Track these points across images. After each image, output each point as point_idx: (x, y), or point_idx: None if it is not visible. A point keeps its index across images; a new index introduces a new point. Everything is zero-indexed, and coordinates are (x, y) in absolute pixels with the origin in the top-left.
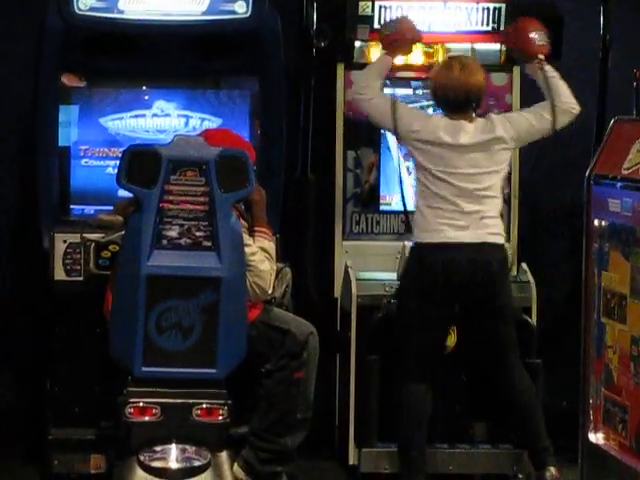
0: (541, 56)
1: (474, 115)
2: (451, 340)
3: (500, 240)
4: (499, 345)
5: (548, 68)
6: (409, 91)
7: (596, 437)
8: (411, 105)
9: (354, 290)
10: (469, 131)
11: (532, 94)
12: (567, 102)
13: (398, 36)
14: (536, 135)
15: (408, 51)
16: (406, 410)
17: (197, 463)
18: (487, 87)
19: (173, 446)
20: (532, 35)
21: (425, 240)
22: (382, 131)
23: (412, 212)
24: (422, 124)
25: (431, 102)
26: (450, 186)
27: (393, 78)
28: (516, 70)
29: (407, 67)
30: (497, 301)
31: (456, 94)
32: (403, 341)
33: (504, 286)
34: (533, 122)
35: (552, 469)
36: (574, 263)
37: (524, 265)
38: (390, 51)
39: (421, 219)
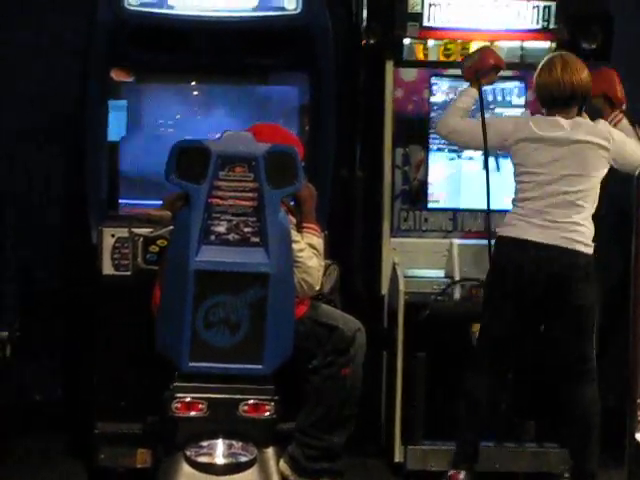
0: (623, 106)
1: (580, 113)
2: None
3: (586, 249)
4: (574, 353)
5: (625, 122)
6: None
7: None
8: None
9: (401, 287)
10: (564, 125)
11: None
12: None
13: (480, 65)
14: (626, 167)
15: (492, 79)
16: (468, 399)
17: (243, 459)
18: (591, 84)
19: (219, 441)
20: (617, 82)
21: (504, 234)
22: (433, 129)
23: (493, 211)
24: (515, 125)
25: None
26: (533, 187)
27: (443, 75)
28: None
29: (456, 64)
30: (569, 305)
31: (561, 92)
32: (481, 331)
33: (578, 294)
34: (634, 155)
35: None
36: (624, 261)
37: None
38: (473, 82)
39: (507, 216)
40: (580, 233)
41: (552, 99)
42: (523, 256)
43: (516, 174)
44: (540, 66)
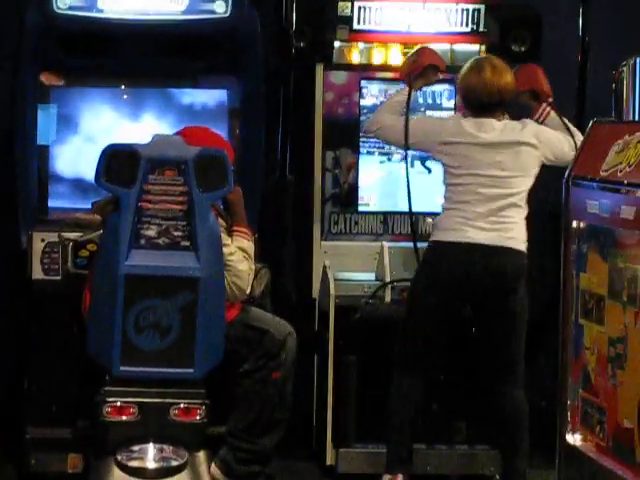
0: (550, 99)
1: (504, 115)
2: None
3: (519, 246)
4: (504, 359)
5: (553, 114)
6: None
7: (574, 438)
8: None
9: (332, 291)
10: (496, 128)
11: None
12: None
13: (413, 66)
14: (557, 162)
15: (429, 80)
16: (396, 402)
17: (174, 463)
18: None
19: (150, 445)
20: (543, 77)
21: (442, 238)
22: (361, 132)
23: (416, 213)
24: (442, 127)
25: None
26: (473, 190)
27: (373, 79)
28: None
29: (385, 67)
30: (508, 308)
31: (490, 96)
32: (404, 332)
33: (516, 294)
34: (564, 148)
35: None
36: (554, 265)
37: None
38: (407, 82)
39: (442, 219)
40: (523, 234)
41: (480, 103)
42: (470, 259)
43: (450, 176)
44: (467, 68)
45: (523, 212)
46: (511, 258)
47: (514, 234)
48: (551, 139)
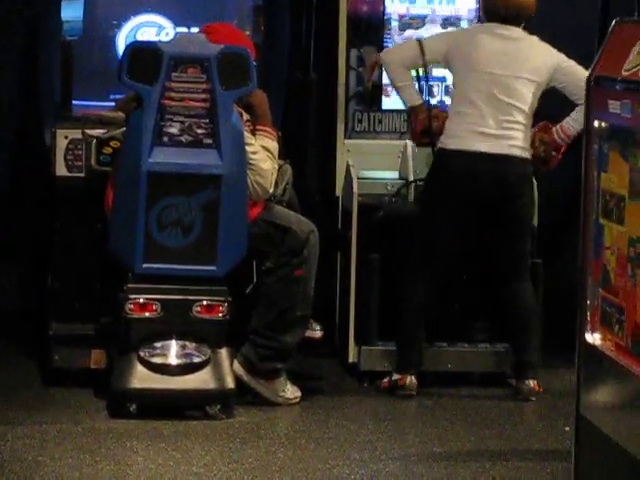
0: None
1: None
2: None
3: (522, 153)
4: (510, 257)
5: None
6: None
7: (593, 338)
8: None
9: (355, 189)
10: (512, 30)
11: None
12: None
13: (413, 135)
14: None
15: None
16: (408, 304)
17: (197, 359)
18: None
19: (173, 342)
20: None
21: (448, 146)
22: (388, 30)
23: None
24: (455, 36)
25: None
26: (479, 89)
27: None
28: None
29: None
30: (513, 214)
31: (507, 9)
32: (417, 237)
33: (522, 200)
34: (569, 86)
35: (531, 382)
36: (575, 164)
37: (528, 166)
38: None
39: (448, 124)
40: (527, 140)
41: (497, 16)
42: (474, 168)
43: (455, 75)
44: None
45: (528, 117)
46: (515, 166)
47: (518, 142)
48: (571, 67)
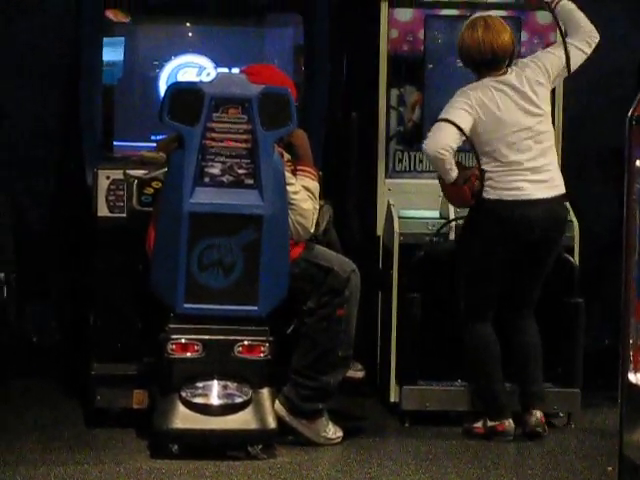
0: None
1: (508, 69)
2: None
3: (564, 192)
4: (527, 296)
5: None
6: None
7: (636, 377)
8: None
9: (396, 228)
10: (514, 77)
11: None
12: (588, 32)
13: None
14: (561, 72)
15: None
16: (476, 351)
17: (238, 400)
18: (514, 46)
19: (215, 382)
20: None
21: (497, 196)
22: (426, 69)
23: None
24: (471, 104)
25: None
26: (515, 147)
27: (438, 16)
28: None
29: (451, 4)
30: (550, 254)
31: (482, 54)
32: (472, 288)
33: (561, 239)
34: (557, 57)
35: (538, 413)
36: (617, 204)
37: (567, 205)
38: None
39: (492, 178)
40: (560, 177)
41: (473, 62)
42: (533, 214)
43: (482, 144)
44: (463, 27)
45: (555, 151)
46: (560, 207)
47: (559, 182)
48: (545, 58)
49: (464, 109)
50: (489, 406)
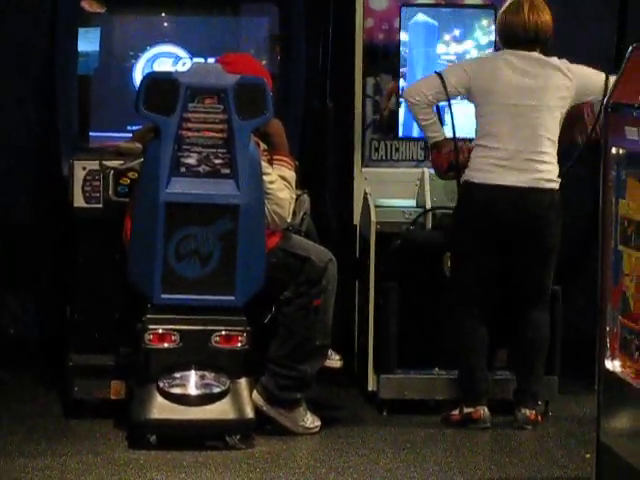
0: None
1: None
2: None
3: (549, 185)
4: (532, 286)
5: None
6: None
7: (613, 365)
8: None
9: (373, 217)
10: (530, 56)
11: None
12: None
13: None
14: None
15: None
16: (460, 337)
17: (216, 389)
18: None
19: (192, 372)
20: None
21: (472, 180)
22: (402, 58)
23: (458, 139)
24: (475, 67)
25: None
26: (503, 121)
27: (413, 5)
28: None
29: None
30: (540, 243)
31: (526, 32)
32: (456, 272)
33: (549, 230)
34: (597, 83)
35: (527, 411)
36: (592, 191)
37: (556, 195)
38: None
39: (473, 157)
40: (555, 170)
41: (516, 39)
42: (500, 203)
43: (479, 108)
44: (506, 5)
45: (555, 145)
46: (540, 197)
47: (544, 174)
48: (584, 71)
49: (462, 67)
50: (466, 392)
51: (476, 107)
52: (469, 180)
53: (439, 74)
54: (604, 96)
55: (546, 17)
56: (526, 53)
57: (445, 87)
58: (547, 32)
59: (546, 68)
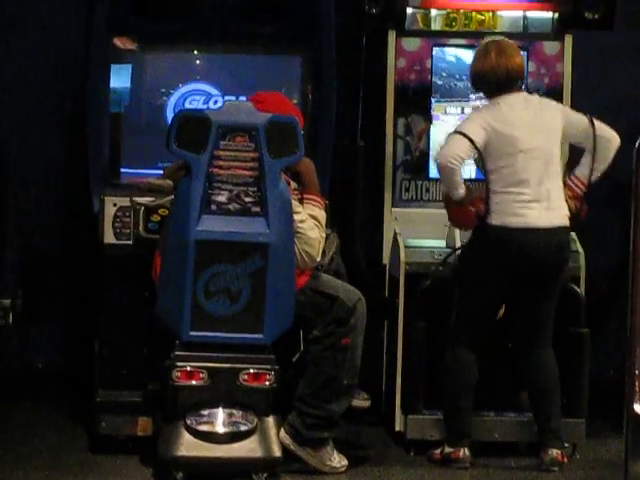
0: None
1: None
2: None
3: (567, 221)
4: (540, 321)
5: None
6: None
7: None
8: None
9: (402, 257)
10: (518, 96)
11: (583, 63)
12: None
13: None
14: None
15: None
16: (453, 376)
17: (244, 427)
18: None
19: (220, 410)
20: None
21: (500, 223)
22: (433, 99)
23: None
24: (487, 119)
25: None
26: (531, 168)
27: (445, 45)
28: (568, 38)
29: (458, 34)
30: (557, 281)
31: (497, 77)
32: (460, 309)
33: (565, 269)
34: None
35: (554, 451)
36: (623, 233)
37: (573, 234)
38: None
39: (500, 202)
40: (564, 206)
41: (487, 84)
42: (531, 243)
43: (491, 161)
44: (475, 54)
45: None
46: (567, 234)
47: (565, 210)
48: (565, 108)
49: (478, 123)
50: (450, 431)
51: (494, 158)
52: (496, 224)
53: (464, 134)
54: (594, 135)
55: (517, 60)
56: (513, 95)
57: (475, 146)
58: (519, 74)
59: (542, 104)
